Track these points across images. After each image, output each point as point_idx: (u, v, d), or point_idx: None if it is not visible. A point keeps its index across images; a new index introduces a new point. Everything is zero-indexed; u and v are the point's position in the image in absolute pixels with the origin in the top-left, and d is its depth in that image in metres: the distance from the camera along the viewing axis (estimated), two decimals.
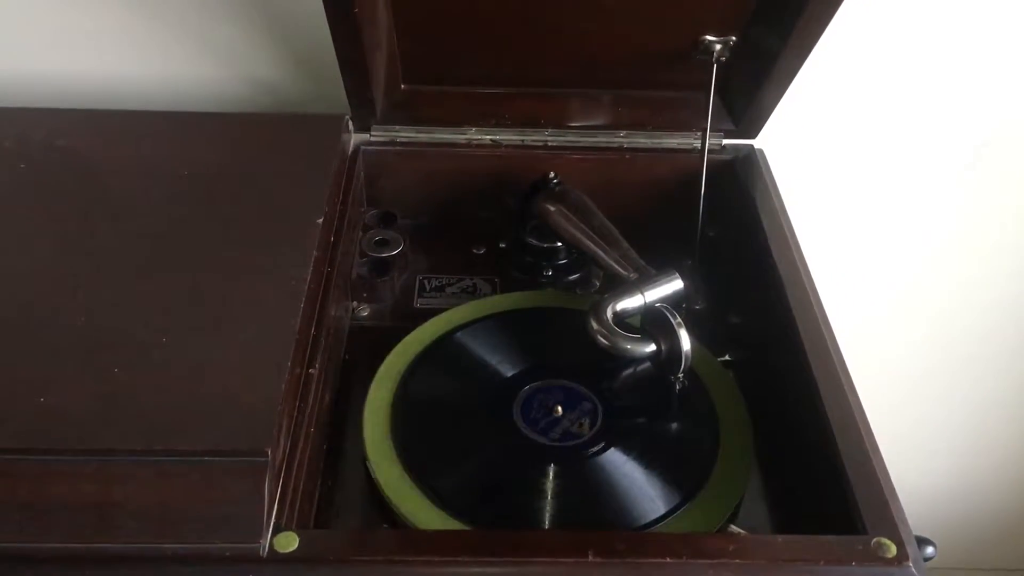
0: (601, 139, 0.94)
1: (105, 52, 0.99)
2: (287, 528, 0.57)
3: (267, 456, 0.57)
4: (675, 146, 0.94)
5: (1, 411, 0.59)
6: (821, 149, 1.09)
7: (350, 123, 0.91)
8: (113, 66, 1.00)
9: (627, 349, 0.74)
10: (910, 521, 0.61)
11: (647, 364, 0.77)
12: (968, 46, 1.02)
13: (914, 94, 1.05)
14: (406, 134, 0.93)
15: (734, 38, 0.84)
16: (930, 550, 0.62)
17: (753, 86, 0.87)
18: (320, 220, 0.76)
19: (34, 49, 0.99)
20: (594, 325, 0.74)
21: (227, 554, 0.56)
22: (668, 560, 0.57)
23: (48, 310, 0.67)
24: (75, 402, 0.60)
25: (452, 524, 0.65)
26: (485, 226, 0.96)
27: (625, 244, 0.82)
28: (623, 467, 0.71)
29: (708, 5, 0.81)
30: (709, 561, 0.57)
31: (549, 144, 0.94)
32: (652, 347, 0.74)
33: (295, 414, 0.64)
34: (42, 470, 0.57)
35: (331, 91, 0.90)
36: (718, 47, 0.84)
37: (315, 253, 0.73)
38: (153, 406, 0.60)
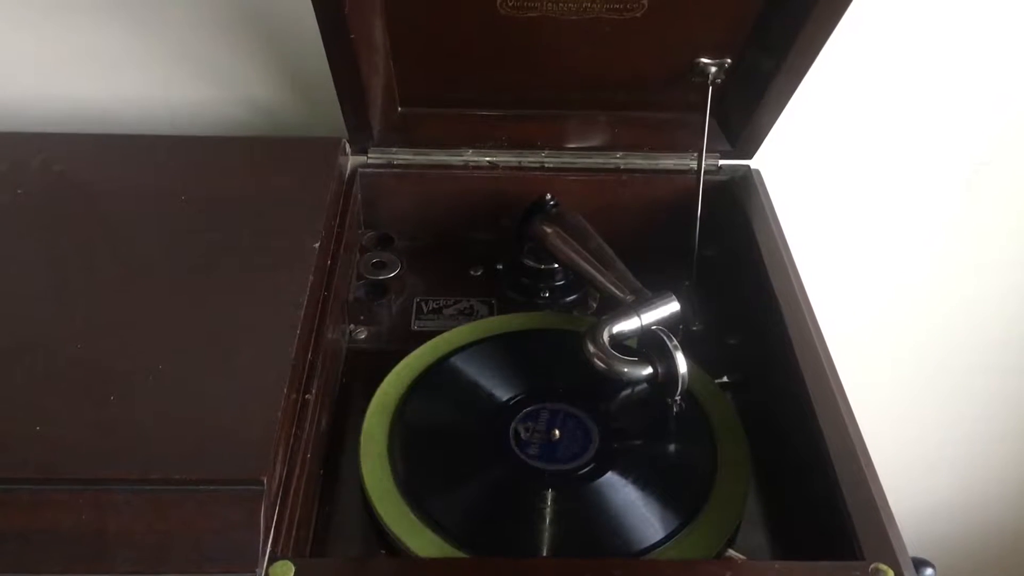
0: (598, 160, 0.94)
1: (102, 76, 0.99)
2: (283, 557, 0.57)
3: (263, 484, 0.57)
4: (671, 167, 0.94)
5: None
6: (817, 169, 1.09)
7: (347, 146, 0.91)
8: (110, 90, 1.00)
9: (624, 372, 0.74)
10: (908, 539, 0.61)
11: (644, 387, 0.77)
12: (964, 64, 1.02)
13: (910, 114, 1.05)
14: (403, 156, 0.93)
15: (729, 60, 0.84)
16: (929, 572, 0.62)
17: (749, 107, 0.87)
18: (317, 244, 0.76)
19: (31, 74, 0.99)
20: (590, 348, 0.74)
21: None
22: None
23: (44, 337, 0.67)
24: (71, 431, 0.60)
25: (450, 551, 0.65)
26: (482, 248, 0.96)
27: (621, 266, 0.82)
28: (621, 491, 0.70)
29: (704, 28, 0.81)
30: None
31: (546, 165, 0.94)
32: (649, 370, 0.74)
33: (291, 440, 0.64)
34: (37, 499, 0.57)
35: (328, 114, 0.90)
36: (714, 69, 0.84)
37: (311, 277, 0.73)
38: (149, 434, 0.60)
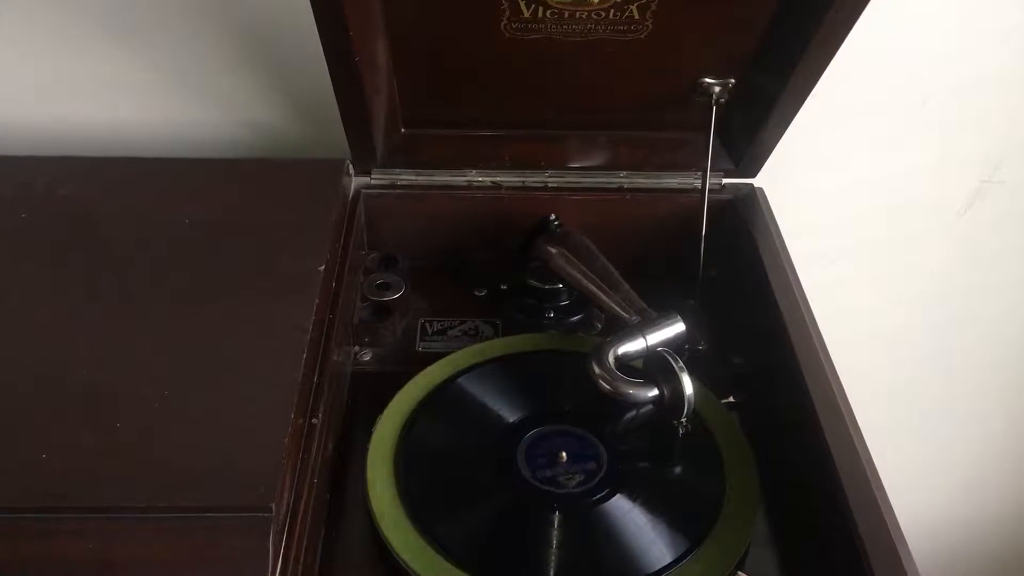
0: (601, 180, 0.94)
1: (106, 99, 0.99)
2: None
3: (272, 511, 0.56)
4: (675, 186, 0.94)
5: (2, 468, 0.59)
6: (821, 187, 1.09)
7: (350, 167, 0.91)
8: (113, 113, 1.00)
9: (629, 394, 0.74)
10: (916, 559, 0.60)
11: (650, 408, 0.76)
12: (967, 85, 1.02)
13: (914, 132, 1.06)
14: (407, 177, 0.93)
15: (733, 80, 0.84)
16: None
17: (753, 127, 0.88)
18: (322, 268, 0.76)
19: (34, 97, 0.99)
20: (596, 370, 0.74)
21: None
22: None
23: (49, 363, 0.67)
24: (77, 459, 0.59)
25: (457, 575, 0.65)
26: (486, 268, 0.95)
27: (626, 286, 0.82)
28: (629, 514, 0.70)
29: (707, 49, 0.82)
30: None
31: (550, 186, 0.94)
32: (655, 392, 0.74)
33: (298, 465, 0.63)
34: (43, 528, 0.56)
35: (331, 135, 0.90)
36: (717, 89, 0.84)
37: (317, 300, 0.73)
38: (155, 462, 0.59)
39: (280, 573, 0.57)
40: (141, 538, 0.56)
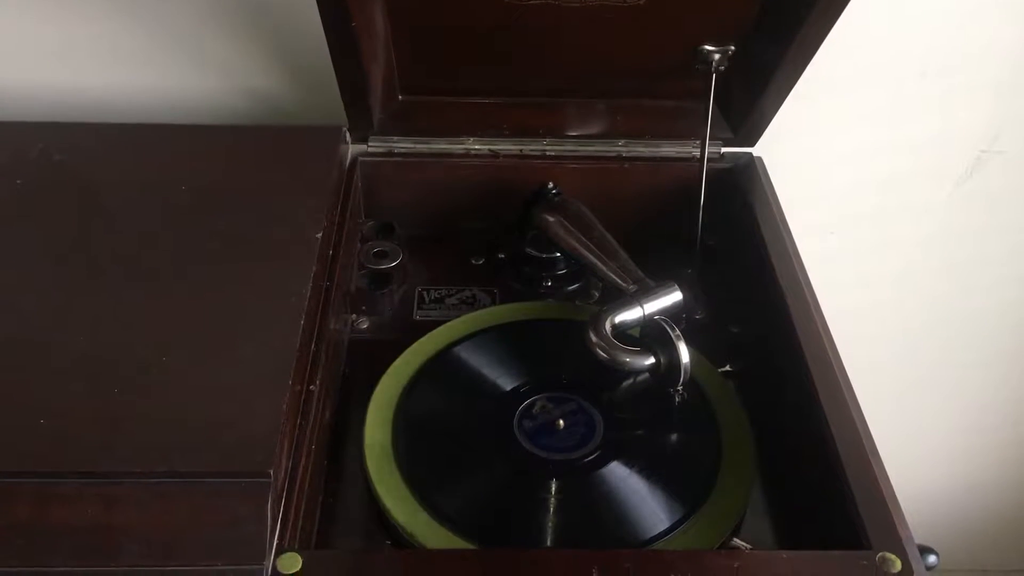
0: (599, 148, 0.94)
1: (102, 65, 0.98)
2: (290, 549, 0.57)
3: (270, 477, 0.57)
4: (674, 155, 0.94)
5: (1, 433, 0.59)
6: (819, 156, 1.09)
7: (347, 134, 0.91)
8: (110, 78, 0.99)
9: (626, 362, 0.74)
10: (911, 527, 0.61)
11: (647, 376, 0.77)
12: (968, 56, 1.02)
13: (913, 104, 1.05)
14: (404, 145, 0.93)
15: (733, 47, 0.83)
16: (932, 559, 0.62)
17: (752, 95, 0.87)
18: (319, 235, 0.76)
19: (30, 62, 0.98)
20: (593, 338, 0.74)
21: None
22: None
23: (47, 329, 0.67)
24: (76, 424, 0.60)
25: (456, 542, 0.65)
26: (484, 237, 0.95)
27: (624, 255, 0.81)
28: (626, 480, 0.70)
29: (707, 15, 0.81)
30: None
31: (547, 154, 0.94)
32: (651, 360, 0.74)
33: (296, 432, 0.64)
34: (43, 493, 0.57)
35: (328, 102, 0.90)
36: (717, 56, 0.84)
37: (314, 268, 0.73)
38: (154, 427, 0.59)
39: (279, 537, 0.57)
40: (139, 503, 0.56)
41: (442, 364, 0.80)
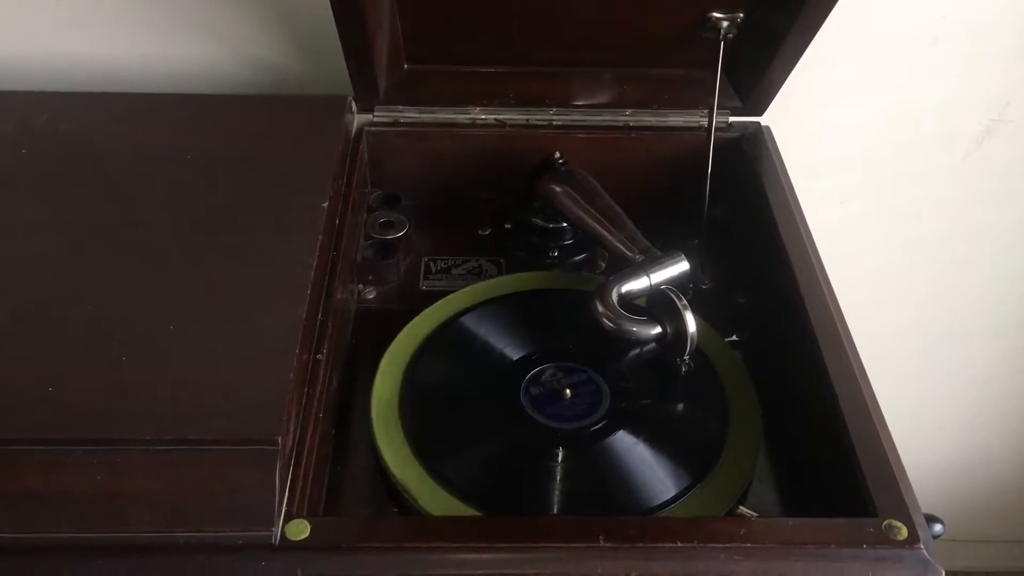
0: (607, 118, 0.93)
1: (107, 34, 0.98)
2: (298, 515, 0.57)
3: (278, 444, 0.57)
4: (681, 124, 0.93)
5: (10, 402, 0.59)
6: (828, 125, 1.08)
7: (353, 104, 0.90)
8: (115, 48, 0.99)
9: (632, 332, 0.74)
10: (918, 497, 0.61)
11: (653, 346, 0.77)
12: (978, 27, 1.01)
13: (922, 73, 1.04)
14: (409, 114, 0.93)
15: (742, 15, 0.83)
16: (938, 527, 0.63)
17: (760, 63, 0.86)
18: (325, 204, 0.75)
19: (35, 31, 0.97)
20: (599, 307, 0.74)
21: (239, 542, 0.56)
22: (679, 544, 0.57)
23: (54, 299, 0.67)
24: (84, 392, 0.60)
25: (462, 510, 0.65)
26: (490, 207, 0.95)
27: (631, 225, 0.81)
28: (632, 449, 0.71)
29: None
30: (720, 545, 0.57)
31: (554, 123, 0.93)
32: (658, 329, 0.74)
33: (304, 400, 0.64)
34: (52, 461, 0.57)
35: (334, 72, 0.89)
36: (725, 24, 0.83)
37: (320, 237, 0.73)
38: (162, 395, 0.60)
39: (286, 505, 0.58)
40: (147, 470, 0.57)
41: (449, 334, 0.80)
